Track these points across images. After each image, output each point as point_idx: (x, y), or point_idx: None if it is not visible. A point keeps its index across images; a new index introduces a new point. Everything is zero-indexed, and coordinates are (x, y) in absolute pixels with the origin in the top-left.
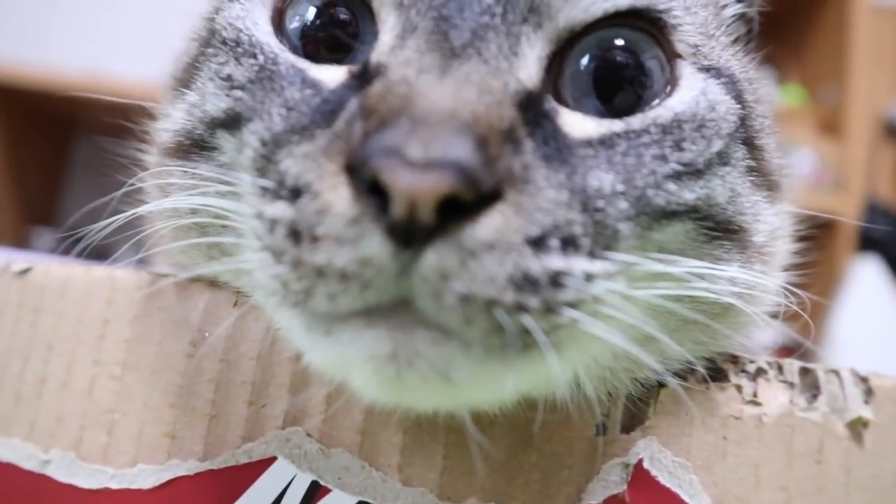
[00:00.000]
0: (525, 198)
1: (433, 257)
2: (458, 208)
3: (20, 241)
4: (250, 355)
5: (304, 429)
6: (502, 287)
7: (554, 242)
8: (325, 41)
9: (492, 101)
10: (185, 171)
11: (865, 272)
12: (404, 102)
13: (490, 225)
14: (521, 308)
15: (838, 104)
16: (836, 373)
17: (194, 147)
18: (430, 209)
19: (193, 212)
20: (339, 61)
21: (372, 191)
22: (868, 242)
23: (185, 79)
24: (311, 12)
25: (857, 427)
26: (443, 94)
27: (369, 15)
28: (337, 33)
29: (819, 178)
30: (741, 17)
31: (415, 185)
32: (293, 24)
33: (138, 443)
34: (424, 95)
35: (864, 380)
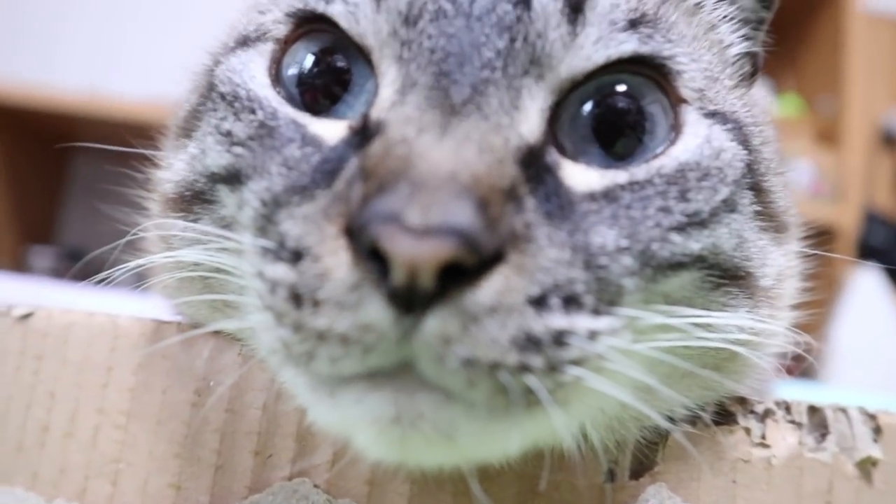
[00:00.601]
0: (527, 258)
1: (434, 323)
2: (459, 272)
3: (19, 260)
4: (256, 405)
5: (311, 479)
6: (505, 349)
7: (555, 301)
8: (322, 89)
9: (493, 160)
10: (187, 225)
11: (865, 281)
12: (404, 164)
13: (491, 288)
14: (524, 368)
15: (836, 114)
16: (844, 411)
17: (195, 199)
18: (430, 276)
19: (197, 264)
20: (337, 111)
21: (372, 256)
22: (867, 251)
23: (187, 128)
24: (308, 60)
25: (867, 466)
26: (443, 156)
27: (367, 64)
28: (334, 82)
29: (817, 188)
30: (746, 55)
31: (414, 252)
32: (290, 72)
33: (143, 493)
34: (424, 157)
35: (872, 417)
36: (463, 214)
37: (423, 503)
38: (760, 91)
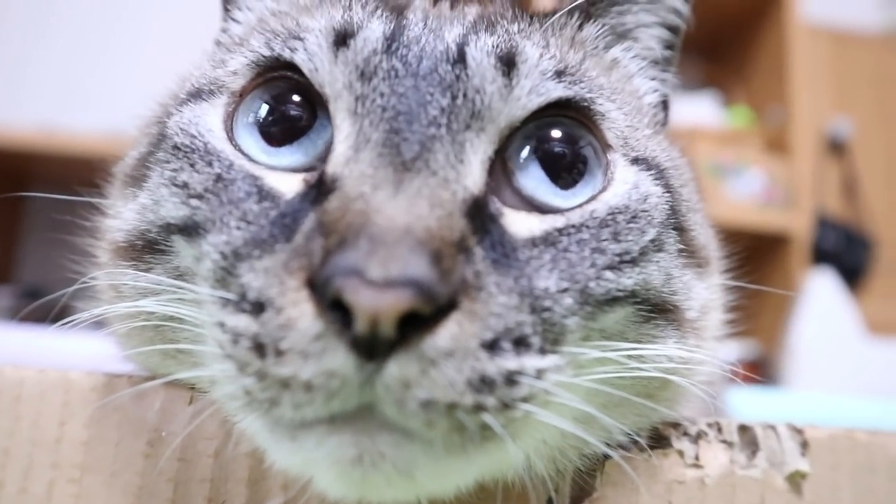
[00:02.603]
0: (478, 305)
1: (395, 368)
2: (416, 320)
3: None
4: (208, 453)
5: None
6: (461, 391)
7: (507, 344)
8: (279, 133)
9: (443, 214)
10: (138, 274)
11: (820, 284)
12: (362, 220)
13: (447, 334)
14: (479, 407)
15: (784, 123)
16: (773, 428)
17: (147, 248)
18: (391, 325)
19: (151, 313)
20: (293, 149)
21: (334, 307)
22: (821, 255)
23: (136, 178)
24: (263, 109)
25: (796, 479)
26: (397, 211)
27: (324, 110)
28: (291, 126)
29: (769, 195)
30: (659, 103)
31: (377, 303)
32: (248, 120)
33: None
34: (381, 213)
35: (799, 432)
36: (419, 267)
37: None
38: (671, 146)
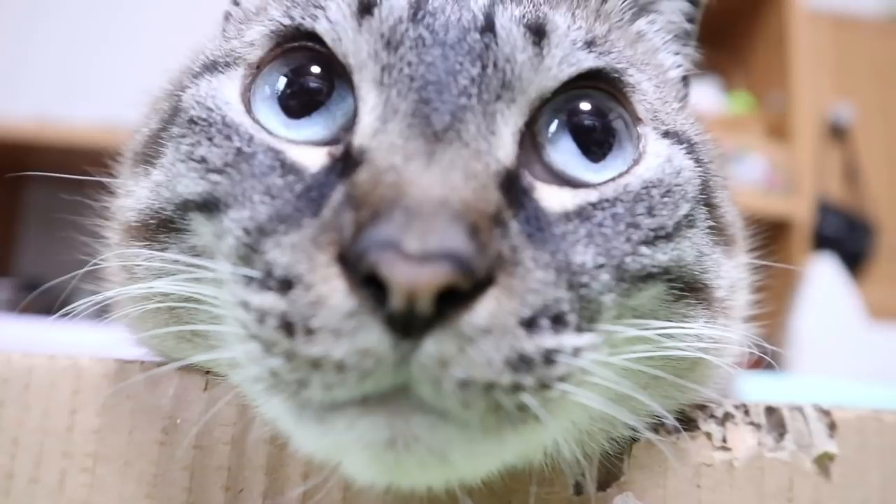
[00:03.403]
0: (516, 280)
1: (433, 346)
2: (454, 297)
3: None
4: (224, 440)
5: None
6: (500, 370)
7: (545, 322)
8: (298, 106)
9: (478, 186)
10: (152, 254)
11: (821, 270)
12: (395, 192)
13: (485, 310)
14: (517, 387)
15: (785, 109)
16: (800, 410)
17: (161, 227)
18: (428, 300)
19: (164, 295)
20: (313, 121)
21: (367, 283)
22: (822, 241)
23: (148, 154)
24: (282, 82)
25: (824, 461)
26: (432, 183)
27: (346, 83)
28: (310, 99)
29: (771, 182)
30: (682, 78)
31: (414, 278)
32: (265, 92)
33: None
34: (415, 184)
35: (827, 414)
36: (457, 240)
37: None
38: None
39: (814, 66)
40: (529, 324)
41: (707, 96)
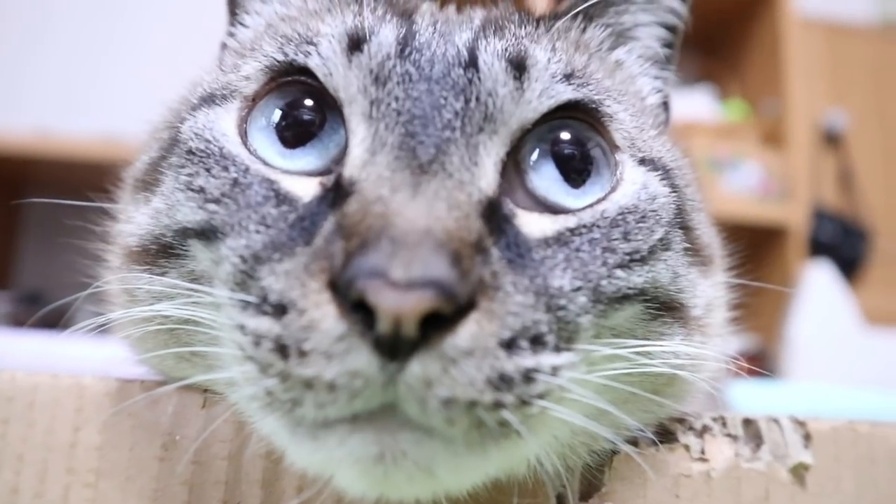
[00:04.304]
0: (496, 304)
1: (418, 367)
2: (437, 321)
3: None
4: (222, 456)
5: None
6: (481, 389)
7: (524, 343)
8: (292, 138)
9: (460, 216)
10: (153, 278)
11: (817, 276)
12: (382, 222)
13: (467, 333)
14: (498, 405)
15: (779, 116)
16: (776, 421)
17: (161, 253)
18: (413, 325)
19: (166, 317)
20: (306, 151)
21: (356, 308)
22: (818, 247)
23: (148, 182)
24: (276, 114)
25: (800, 471)
26: (417, 214)
27: (337, 114)
28: (304, 131)
29: (766, 188)
30: (661, 104)
31: (400, 304)
32: (260, 125)
33: None
34: (401, 215)
35: (802, 424)
36: (440, 268)
37: None
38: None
39: (808, 73)
40: (509, 345)
41: (702, 104)
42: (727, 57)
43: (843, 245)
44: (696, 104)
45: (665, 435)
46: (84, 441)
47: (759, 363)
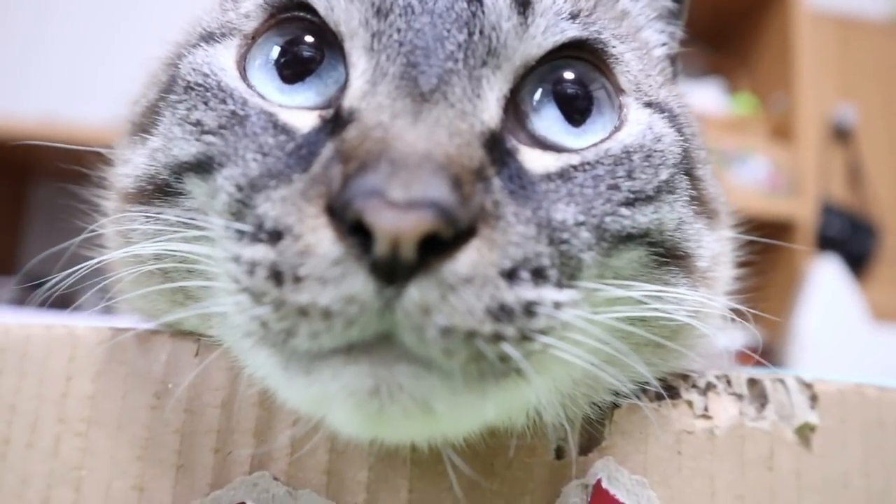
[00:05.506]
0: (497, 233)
1: (416, 292)
2: (436, 245)
3: None
4: (214, 404)
5: (271, 472)
6: (481, 318)
7: (525, 274)
8: (292, 74)
9: (462, 143)
10: (149, 217)
11: (825, 271)
12: (382, 146)
13: (467, 260)
14: (498, 337)
15: (788, 111)
16: (781, 381)
17: (157, 192)
18: (412, 247)
19: (157, 257)
20: (305, 87)
21: (353, 231)
22: (825, 242)
23: (145, 124)
24: (275, 51)
25: (805, 432)
26: (417, 138)
27: (337, 51)
28: (303, 67)
29: (774, 183)
30: (668, 57)
31: (398, 224)
32: (259, 62)
33: (106, 498)
34: (401, 139)
35: (808, 386)
36: (440, 190)
37: (380, 489)
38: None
39: (817, 67)
40: (510, 275)
41: (711, 98)
42: (736, 51)
43: (850, 240)
44: (705, 98)
45: (668, 391)
46: (76, 390)
47: (765, 357)
